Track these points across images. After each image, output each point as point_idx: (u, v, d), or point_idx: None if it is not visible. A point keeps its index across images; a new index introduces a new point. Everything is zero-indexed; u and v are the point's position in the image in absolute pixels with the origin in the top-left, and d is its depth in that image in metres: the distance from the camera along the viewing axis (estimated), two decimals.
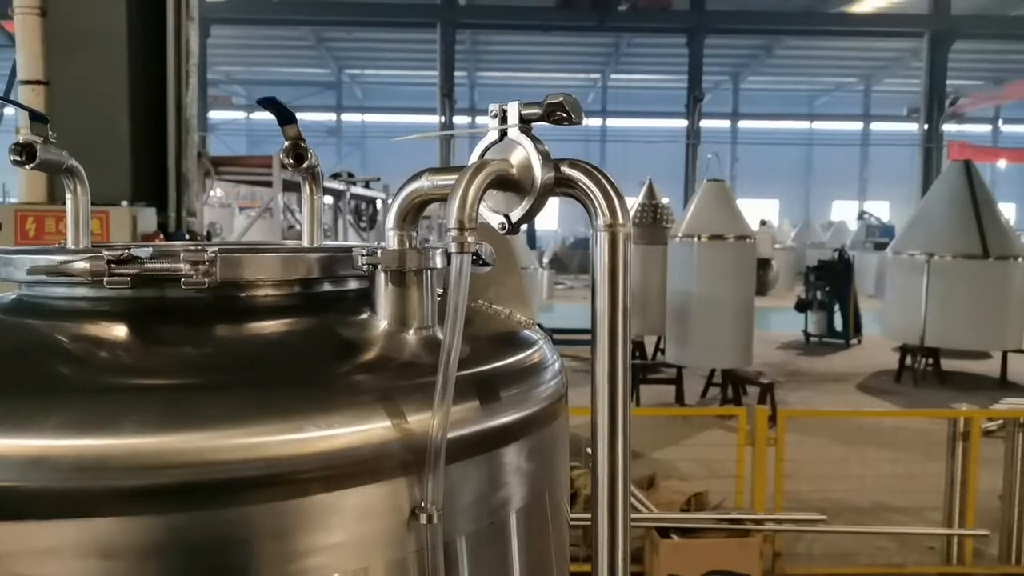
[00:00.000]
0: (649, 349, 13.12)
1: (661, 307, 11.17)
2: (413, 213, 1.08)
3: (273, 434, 0.87)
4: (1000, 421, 8.87)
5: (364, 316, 1.08)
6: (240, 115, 41.31)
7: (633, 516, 5.88)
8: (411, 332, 1.05)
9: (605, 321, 1.03)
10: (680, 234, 10.62)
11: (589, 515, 1.10)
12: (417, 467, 0.92)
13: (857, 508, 6.81)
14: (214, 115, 35.16)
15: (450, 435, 0.96)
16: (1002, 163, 35.77)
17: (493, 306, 1.37)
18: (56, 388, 0.89)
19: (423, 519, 0.91)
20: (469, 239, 0.95)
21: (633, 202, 12.84)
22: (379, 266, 1.04)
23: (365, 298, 1.12)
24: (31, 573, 0.79)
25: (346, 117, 45.02)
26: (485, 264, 1.12)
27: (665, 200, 13.57)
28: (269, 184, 8.65)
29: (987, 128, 42.11)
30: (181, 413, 0.86)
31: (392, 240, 1.06)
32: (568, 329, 12.26)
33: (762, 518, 5.46)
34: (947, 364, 12.93)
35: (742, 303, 10.23)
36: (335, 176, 11.91)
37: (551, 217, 41.15)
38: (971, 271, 11.51)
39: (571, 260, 31.43)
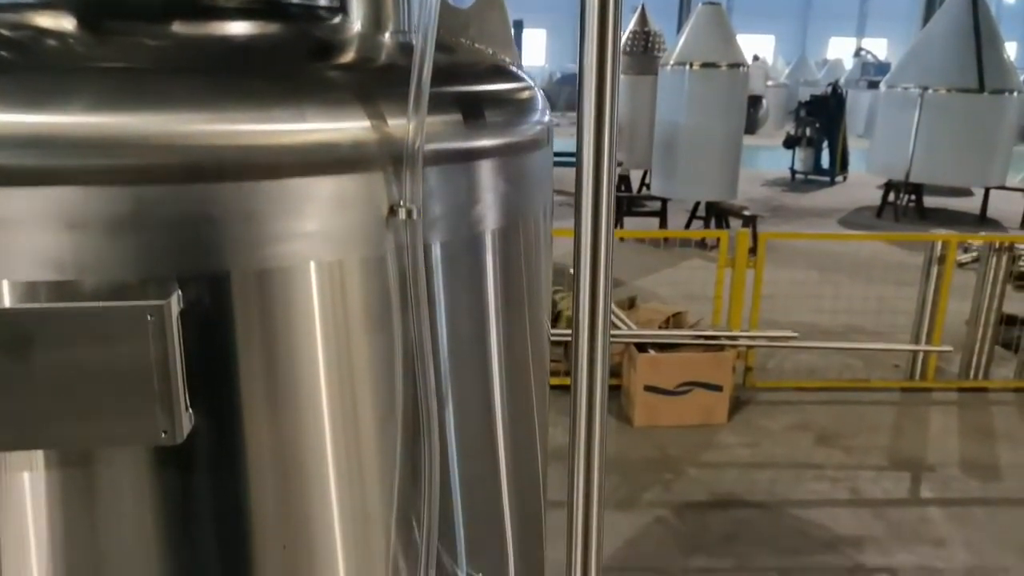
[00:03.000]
0: (635, 185, 13.06)
1: (648, 141, 11.00)
2: None
3: (244, 122, 0.82)
4: (974, 254, 9.07)
5: (336, 20, 1.00)
6: None
7: (613, 332, 6.06)
8: (387, 35, 0.98)
9: (593, 40, 0.93)
10: (671, 62, 10.26)
11: (570, 331, 1.08)
12: (395, 167, 0.89)
13: (829, 331, 7.06)
14: None
15: (430, 146, 0.91)
16: None
17: (476, 44, 1.29)
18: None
19: (402, 214, 0.89)
20: None
21: (624, 31, 12.30)
22: None
23: (337, 10, 1.04)
24: None
25: None
26: None
27: (657, 28, 13.00)
28: None
29: None
30: (140, 93, 0.80)
31: None
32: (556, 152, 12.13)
33: (737, 335, 5.65)
34: (929, 201, 13.03)
35: (730, 135, 10.08)
36: None
37: (539, 53, 39.60)
38: (964, 105, 11.32)
39: (559, 96, 30.58)
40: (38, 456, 0.82)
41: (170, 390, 0.78)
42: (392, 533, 0.97)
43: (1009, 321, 6.41)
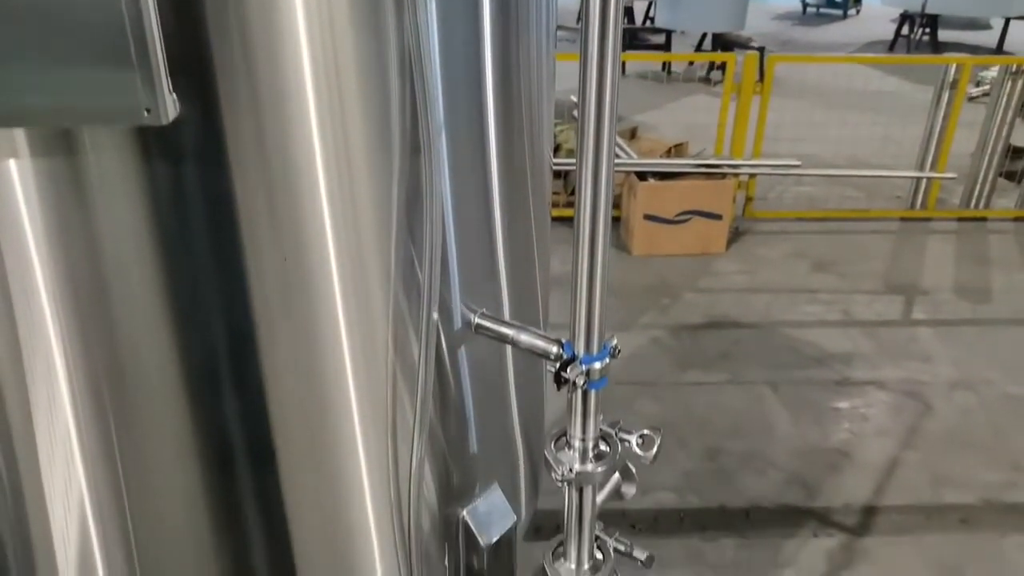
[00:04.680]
0: (639, 17, 12.48)
1: None
2: None
3: None
4: (985, 87, 8.79)
5: None
6: None
7: (615, 161, 6.00)
8: None
9: None
10: None
11: (572, 160, 0.99)
12: None
13: (833, 164, 6.96)
14: None
15: None
16: None
17: None
18: None
19: None
20: None
21: None
22: None
23: None
24: None
25: None
26: None
27: None
28: None
29: None
30: None
31: None
32: None
33: (739, 163, 5.56)
34: (944, 35, 12.51)
35: None
36: None
37: None
38: None
39: None
40: (20, 139, 0.78)
41: (149, 63, 0.73)
42: (391, 257, 0.94)
43: (1015, 153, 6.31)
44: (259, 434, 0.96)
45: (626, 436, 1.05)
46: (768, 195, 6.39)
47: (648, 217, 5.38)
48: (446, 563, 1.16)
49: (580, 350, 0.95)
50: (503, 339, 1.00)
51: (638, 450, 1.05)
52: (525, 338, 0.98)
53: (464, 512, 1.14)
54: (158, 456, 0.91)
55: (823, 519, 3.21)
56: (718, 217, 5.41)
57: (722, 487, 3.38)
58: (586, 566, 1.08)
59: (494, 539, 1.16)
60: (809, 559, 3.03)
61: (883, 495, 3.33)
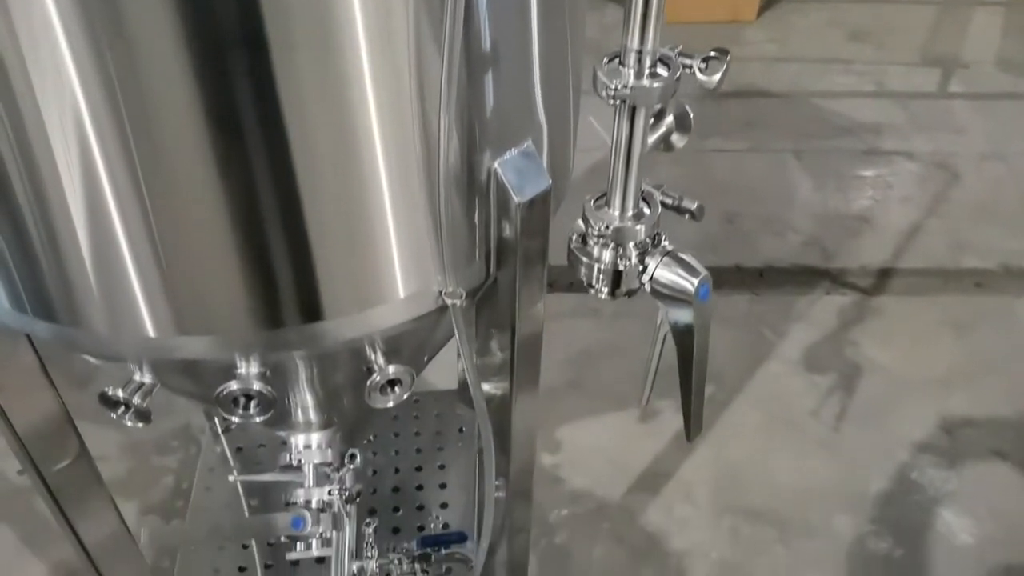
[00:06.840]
0: None
1: None
2: None
3: None
4: None
5: None
6: None
7: None
8: None
9: None
10: None
11: None
12: None
13: None
14: None
15: None
16: None
17: None
18: None
19: None
20: None
21: None
22: None
23: None
24: None
25: None
26: None
27: None
28: None
29: None
30: None
31: None
32: None
33: None
34: None
35: None
36: None
37: None
38: None
39: None
40: None
41: None
42: None
43: None
44: (253, 26, 0.79)
45: (687, 60, 0.91)
46: None
47: None
48: (475, 220, 1.07)
49: None
50: None
51: (701, 75, 0.91)
52: None
53: (496, 164, 1.03)
54: (146, 50, 0.78)
55: (838, 279, 3.20)
56: None
57: (739, 248, 3.34)
58: (630, 213, 0.99)
59: (528, 198, 1.06)
60: (821, 314, 3.04)
61: (901, 258, 3.29)
